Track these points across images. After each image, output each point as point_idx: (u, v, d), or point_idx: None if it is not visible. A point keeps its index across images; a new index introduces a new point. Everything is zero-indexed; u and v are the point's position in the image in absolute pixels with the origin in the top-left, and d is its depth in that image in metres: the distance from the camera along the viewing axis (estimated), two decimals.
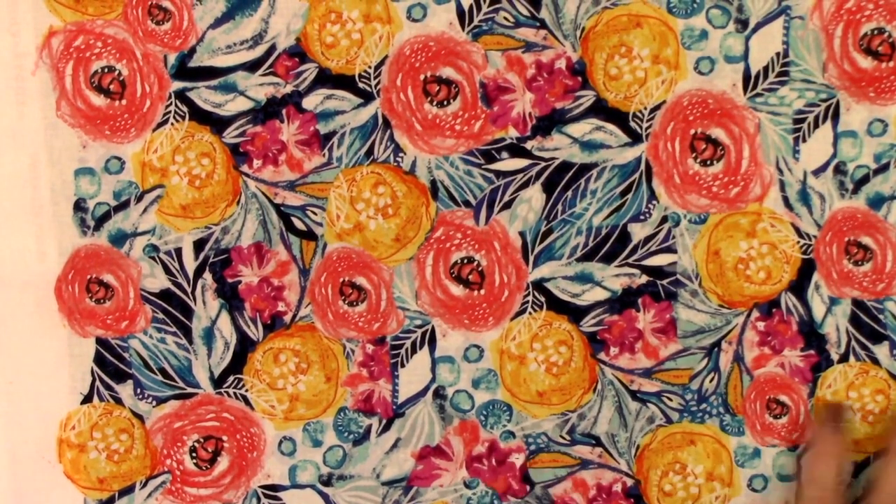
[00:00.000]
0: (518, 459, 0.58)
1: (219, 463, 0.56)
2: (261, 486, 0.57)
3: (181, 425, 0.56)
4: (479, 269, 0.55)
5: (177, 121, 0.54)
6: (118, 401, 0.56)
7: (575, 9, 0.53)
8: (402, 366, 0.57)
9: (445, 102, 0.54)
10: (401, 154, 0.54)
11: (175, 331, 0.56)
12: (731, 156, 0.54)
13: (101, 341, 0.56)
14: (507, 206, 0.55)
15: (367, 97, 0.54)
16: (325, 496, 0.57)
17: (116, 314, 0.56)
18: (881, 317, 0.56)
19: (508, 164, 0.54)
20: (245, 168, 0.54)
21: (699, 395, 0.57)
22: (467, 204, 0.54)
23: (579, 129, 0.54)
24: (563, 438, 0.57)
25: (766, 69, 0.53)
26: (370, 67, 0.54)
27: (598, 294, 0.57)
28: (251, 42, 0.54)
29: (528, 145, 0.54)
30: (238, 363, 0.56)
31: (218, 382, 0.56)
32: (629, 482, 0.58)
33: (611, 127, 0.54)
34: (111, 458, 0.56)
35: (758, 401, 0.57)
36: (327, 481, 0.57)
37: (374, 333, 0.57)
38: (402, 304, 0.56)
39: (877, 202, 0.54)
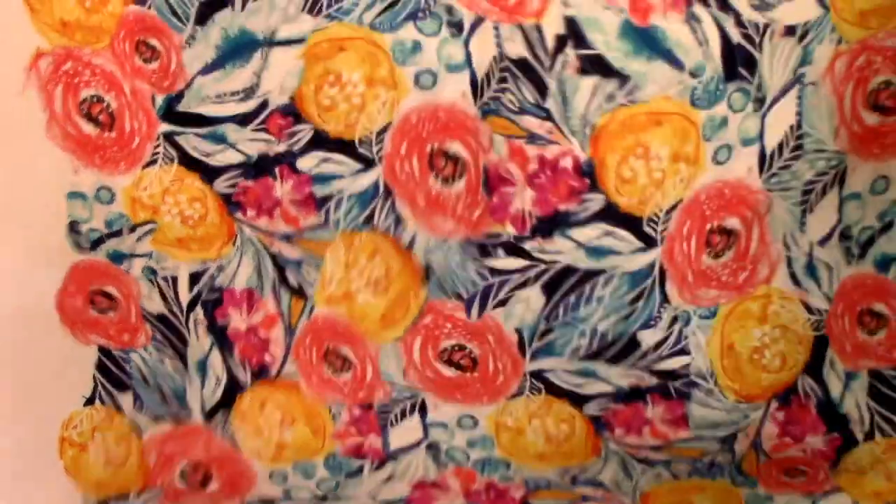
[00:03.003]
0: (518, 493, 0.57)
1: (210, 485, 0.57)
2: (257, 500, 0.57)
3: (172, 451, 0.56)
4: (472, 356, 0.52)
5: (166, 162, 0.51)
6: (119, 408, 0.56)
7: (585, 104, 0.46)
8: (392, 426, 0.55)
9: (451, 179, 0.49)
10: (401, 227, 0.50)
11: (173, 354, 0.55)
12: (741, 242, 0.49)
13: (103, 351, 0.56)
14: (503, 303, 0.50)
15: (368, 163, 0.49)
16: None
17: (119, 325, 0.55)
18: None
19: (505, 262, 0.49)
20: (239, 215, 0.51)
21: (711, 462, 0.54)
22: (458, 297, 0.50)
23: (585, 234, 0.48)
24: (565, 482, 0.56)
25: (780, 146, 0.47)
26: (371, 133, 0.48)
27: (603, 387, 0.53)
28: (242, 95, 0.49)
29: (528, 246, 0.49)
30: (228, 400, 0.55)
31: (209, 415, 0.56)
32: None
33: (622, 233, 0.48)
34: (109, 464, 0.57)
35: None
36: (323, 499, 0.57)
37: (361, 400, 0.55)
38: (390, 378, 0.54)
39: (883, 264, 0.49)
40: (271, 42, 0.47)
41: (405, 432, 0.55)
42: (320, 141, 0.49)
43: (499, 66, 0.46)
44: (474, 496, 0.56)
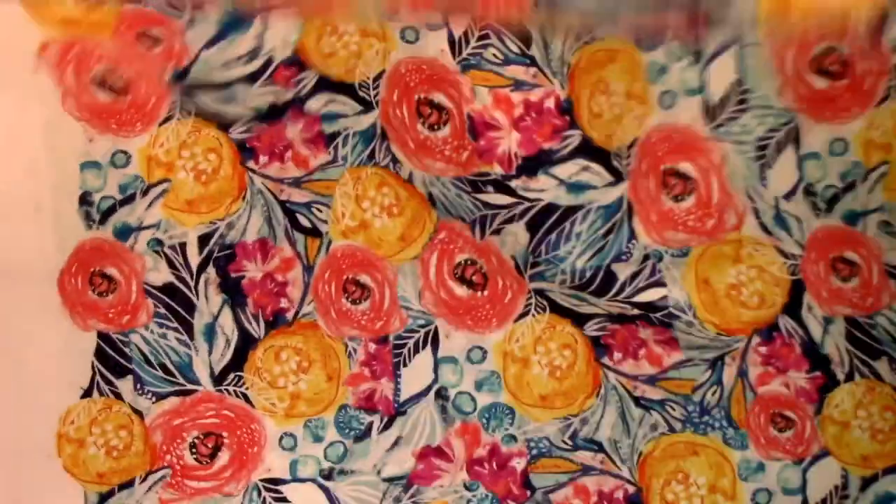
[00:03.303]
0: (519, 464, 0.57)
1: (219, 458, 0.56)
2: (262, 480, 0.56)
3: (181, 422, 0.56)
4: (483, 270, 0.55)
5: (183, 116, 0.54)
6: (118, 396, 0.55)
7: (561, 45, 0.52)
8: (405, 365, 0.57)
9: (437, 127, 0.54)
10: (398, 165, 0.54)
11: (177, 326, 0.56)
12: (700, 189, 0.53)
13: (102, 336, 0.56)
14: (497, 232, 0.55)
15: (368, 105, 0.54)
16: (325, 490, 0.57)
17: (118, 307, 0.55)
18: (874, 332, 0.56)
19: (493, 197, 0.54)
20: (251, 164, 0.54)
21: (702, 407, 0.57)
22: (462, 220, 0.54)
23: (566, 170, 0.53)
24: (566, 443, 0.57)
25: (724, 99, 0.53)
26: (369, 79, 0.54)
27: (597, 310, 0.56)
28: (248, 57, 0.54)
29: (513, 184, 0.54)
30: (239, 360, 0.56)
31: (218, 380, 0.56)
32: (631, 489, 0.57)
33: (596, 167, 0.53)
34: (110, 453, 0.55)
35: (762, 415, 0.57)
36: (328, 475, 0.57)
37: (377, 332, 0.56)
38: (406, 304, 0.56)
39: (852, 219, 0.53)
40: (268, 6, 0.53)
41: (416, 374, 0.57)
42: (324, 84, 0.54)
43: (478, 24, 0.52)
44: (477, 466, 0.57)
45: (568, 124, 0.52)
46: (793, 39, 0.50)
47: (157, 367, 0.56)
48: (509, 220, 0.53)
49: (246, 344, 0.56)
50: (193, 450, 0.56)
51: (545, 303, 0.56)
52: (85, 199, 0.55)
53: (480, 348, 0.57)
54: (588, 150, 0.52)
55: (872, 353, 0.56)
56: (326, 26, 0.53)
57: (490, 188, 0.53)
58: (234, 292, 0.56)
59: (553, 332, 0.57)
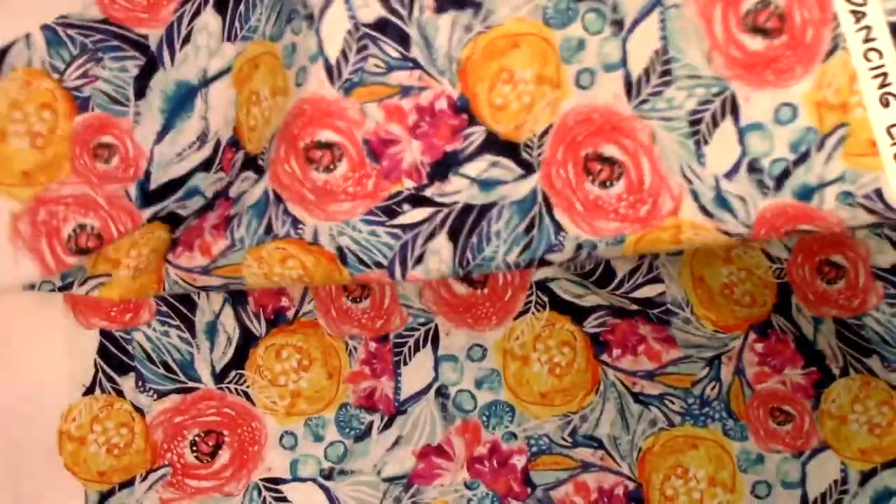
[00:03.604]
0: (520, 461, 0.58)
1: (220, 456, 0.56)
2: (262, 479, 0.57)
3: (182, 420, 0.56)
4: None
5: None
6: (119, 393, 0.56)
7: (447, 41, 0.46)
8: (405, 363, 0.57)
9: (332, 167, 0.47)
10: (300, 226, 0.48)
11: (178, 324, 0.56)
12: (630, 172, 0.46)
13: (104, 333, 0.56)
14: (420, 260, 0.48)
15: (261, 173, 0.49)
16: (325, 490, 0.57)
17: (121, 305, 0.56)
18: (863, 332, 0.55)
19: (413, 215, 0.48)
20: (170, 256, 0.51)
21: (701, 400, 0.57)
22: (378, 265, 0.48)
23: (476, 167, 0.47)
24: (565, 440, 0.57)
25: (647, 71, 0.45)
26: (267, 143, 0.48)
27: (597, 300, 0.57)
28: (198, 143, 0.51)
29: (429, 193, 0.48)
30: (240, 358, 0.56)
31: (219, 377, 0.56)
32: (631, 486, 0.57)
33: (505, 161, 0.47)
34: (111, 451, 0.56)
35: (760, 409, 0.57)
36: (328, 475, 0.57)
37: (377, 331, 0.57)
38: (406, 302, 0.56)
39: (806, 194, 0.44)
40: (206, 82, 0.50)
41: (417, 372, 0.57)
42: (246, 162, 0.50)
43: (356, 38, 0.46)
44: (477, 464, 0.58)
45: (467, 122, 0.47)
46: None
47: (159, 365, 0.56)
48: (430, 238, 0.48)
49: (247, 342, 0.57)
50: (194, 448, 0.57)
51: (545, 299, 0.56)
52: None
53: (480, 346, 0.57)
54: (495, 144, 0.47)
55: (864, 351, 0.56)
56: (252, 94, 0.50)
57: (407, 206, 0.48)
58: (235, 291, 0.56)
59: (553, 329, 0.57)
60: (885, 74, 0.42)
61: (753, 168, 0.45)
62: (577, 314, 0.57)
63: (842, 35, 0.42)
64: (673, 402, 0.58)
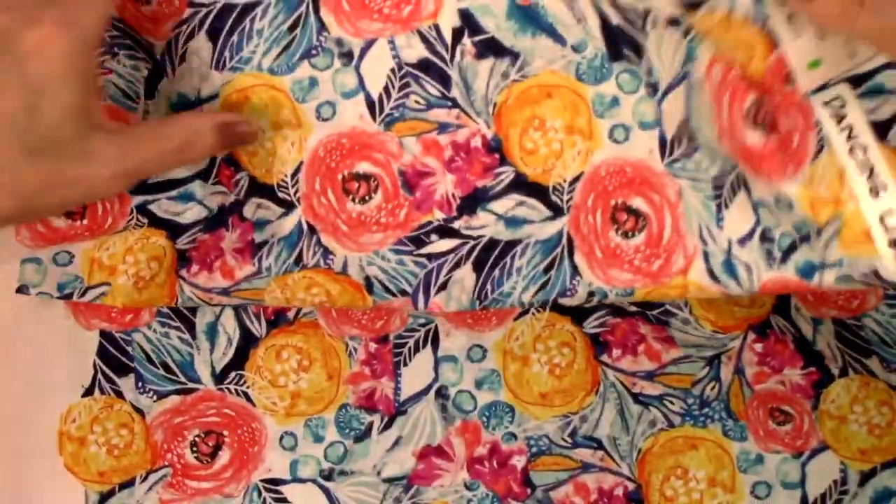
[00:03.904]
0: (519, 462, 0.58)
1: (220, 457, 0.56)
2: (262, 480, 0.57)
3: (182, 420, 0.56)
4: None
5: (136, 228, 0.52)
6: (119, 394, 0.56)
7: (485, 85, 0.50)
8: (405, 364, 0.57)
9: (367, 198, 0.51)
10: (331, 257, 0.51)
11: (178, 325, 0.56)
12: (652, 226, 0.50)
13: (104, 334, 0.56)
14: (444, 287, 0.51)
15: (289, 206, 0.51)
16: (325, 490, 0.57)
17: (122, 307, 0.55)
18: (862, 333, 0.56)
19: (439, 245, 0.51)
20: (183, 272, 0.52)
21: (701, 401, 0.57)
22: (403, 293, 0.51)
23: (503, 205, 0.51)
24: (565, 441, 0.57)
25: (679, 132, 0.49)
26: (286, 176, 0.51)
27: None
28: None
29: (456, 225, 0.51)
30: (240, 359, 0.56)
31: (219, 378, 0.56)
32: (631, 486, 0.57)
33: (532, 201, 0.51)
34: (111, 452, 0.56)
35: (760, 409, 0.57)
36: (328, 476, 0.57)
37: (377, 332, 0.57)
38: None
39: (808, 271, 0.47)
40: (200, 101, 0.50)
41: (417, 373, 0.57)
42: (254, 187, 0.52)
43: (398, 76, 0.49)
44: (477, 465, 0.58)
45: (498, 162, 0.50)
46: (726, 84, 0.45)
47: (159, 366, 0.56)
48: (456, 267, 0.51)
49: (247, 343, 0.57)
50: (194, 448, 0.57)
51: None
52: None
53: (480, 347, 0.57)
54: (522, 185, 0.50)
55: (863, 351, 0.56)
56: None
57: (434, 237, 0.51)
58: None
59: (553, 330, 0.57)
60: (871, 167, 0.43)
61: (766, 237, 0.48)
62: (577, 315, 0.57)
63: (826, 137, 0.44)
64: (672, 403, 0.58)
